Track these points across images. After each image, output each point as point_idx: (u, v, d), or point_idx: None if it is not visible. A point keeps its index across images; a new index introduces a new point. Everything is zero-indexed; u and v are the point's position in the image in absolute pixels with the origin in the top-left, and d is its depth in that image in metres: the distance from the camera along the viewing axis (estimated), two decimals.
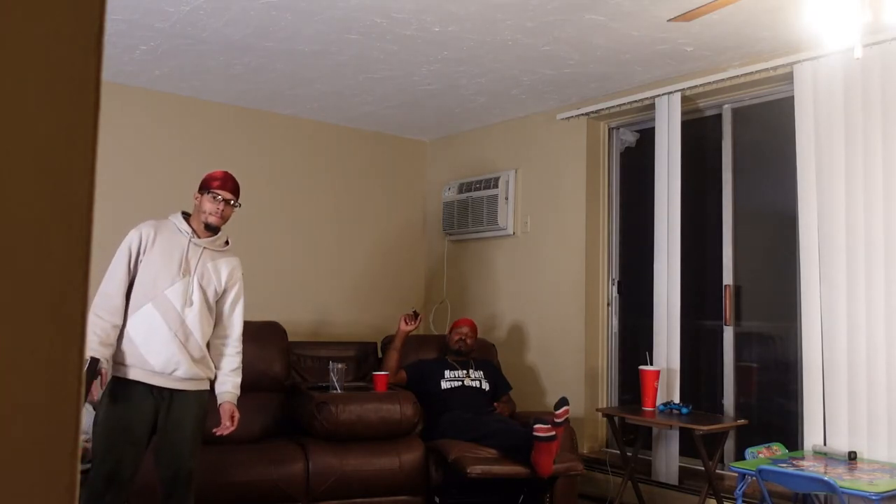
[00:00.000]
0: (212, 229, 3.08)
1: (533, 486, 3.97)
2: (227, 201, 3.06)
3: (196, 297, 3.00)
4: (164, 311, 2.93)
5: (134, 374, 2.90)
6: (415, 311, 4.61)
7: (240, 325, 3.18)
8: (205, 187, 3.06)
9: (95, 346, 2.82)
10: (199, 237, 3.05)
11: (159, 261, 2.96)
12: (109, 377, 2.91)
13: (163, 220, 3.07)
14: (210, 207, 3.04)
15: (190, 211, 3.13)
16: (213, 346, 3.12)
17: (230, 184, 3.09)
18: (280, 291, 5.01)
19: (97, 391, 2.85)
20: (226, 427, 3.10)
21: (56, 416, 0.46)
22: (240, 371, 3.17)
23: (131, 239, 2.97)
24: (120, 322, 2.90)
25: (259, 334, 4.24)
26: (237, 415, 3.11)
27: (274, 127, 5.14)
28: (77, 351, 0.47)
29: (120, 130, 4.47)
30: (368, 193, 5.57)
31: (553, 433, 3.62)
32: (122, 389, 2.90)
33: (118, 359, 2.91)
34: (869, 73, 3.42)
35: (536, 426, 3.61)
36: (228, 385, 3.12)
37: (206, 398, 3.08)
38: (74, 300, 0.47)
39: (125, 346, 2.91)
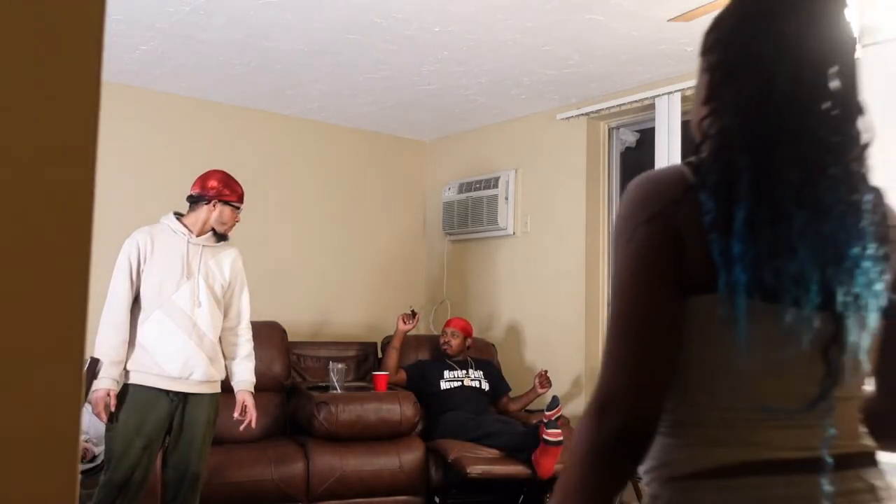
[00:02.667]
0: (218, 235, 3.10)
1: (533, 486, 3.97)
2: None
3: (204, 296, 3.00)
4: (175, 316, 2.93)
5: (150, 381, 2.91)
6: (413, 311, 4.61)
7: (247, 311, 3.21)
8: (223, 199, 3.06)
9: (106, 366, 2.82)
10: (195, 236, 3.05)
11: (161, 267, 2.95)
12: (120, 391, 2.91)
13: (155, 225, 3.06)
14: (231, 219, 3.09)
15: (182, 211, 3.12)
16: (222, 337, 3.13)
17: (242, 191, 3.15)
18: (280, 291, 5.01)
19: (102, 411, 2.85)
20: (239, 420, 3.09)
21: (56, 416, 0.46)
22: (253, 356, 3.19)
23: (129, 249, 2.96)
24: (127, 336, 2.91)
25: (259, 334, 4.23)
26: (249, 403, 3.10)
27: (274, 127, 5.14)
28: (77, 351, 0.47)
29: (120, 130, 4.47)
30: (368, 193, 5.57)
31: (562, 438, 3.63)
32: (138, 396, 2.90)
33: (131, 367, 2.91)
34: (869, 74, 3.42)
35: (550, 430, 3.61)
36: (244, 374, 3.13)
37: (219, 400, 3.08)
38: (74, 300, 0.47)
39: (138, 354, 2.91)
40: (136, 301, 2.95)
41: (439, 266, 5.69)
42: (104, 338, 2.86)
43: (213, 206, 3.05)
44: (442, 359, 4.60)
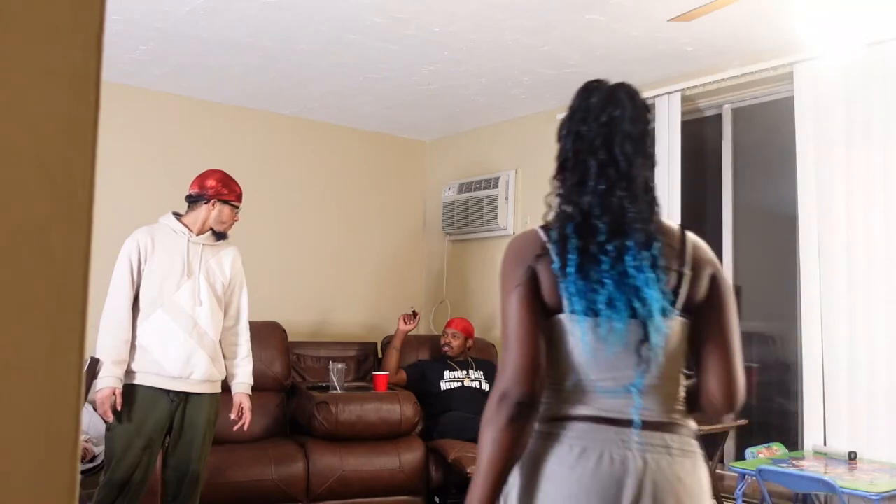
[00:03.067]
0: (218, 234, 3.09)
1: None
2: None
3: (205, 295, 2.99)
4: (175, 315, 2.92)
5: (150, 381, 2.90)
6: (413, 311, 4.61)
7: (246, 311, 3.20)
8: (222, 198, 3.05)
9: (109, 365, 2.82)
10: (195, 235, 3.05)
11: (162, 266, 2.95)
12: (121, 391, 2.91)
13: (155, 225, 3.06)
14: (230, 218, 3.08)
15: (180, 211, 3.12)
16: (221, 336, 3.13)
17: (240, 190, 3.14)
18: (280, 291, 5.01)
19: (109, 410, 2.86)
20: (235, 420, 3.10)
21: (56, 416, 0.46)
22: (251, 357, 3.19)
23: (129, 249, 2.95)
24: (129, 336, 2.90)
25: (259, 334, 4.24)
26: (246, 405, 3.11)
27: (274, 127, 5.14)
28: (77, 351, 0.47)
29: (120, 130, 4.47)
30: (368, 193, 5.57)
31: None
32: (138, 396, 2.90)
33: (132, 367, 2.91)
34: (869, 74, 3.42)
35: None
36: (242, 375, 3.14)
37: (219, 400, 3.08)
38: (74, 300, 0.47)
39: (138, 354, 2.90)
40: (135, 301, 2.95)
41: (439, 266, 5.69)
42: (106, 337, 2.86)
43: (213, 205, 3.05)
44: (442, 359, 4.60)
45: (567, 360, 1.41)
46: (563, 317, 1.40)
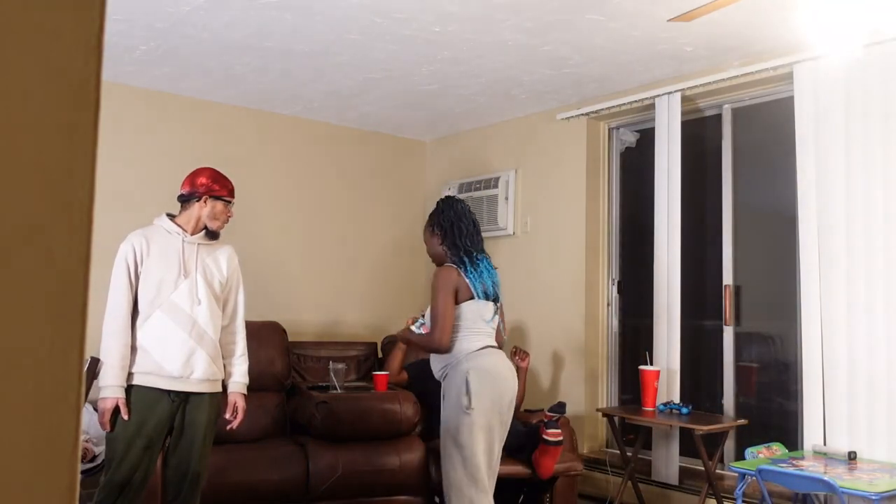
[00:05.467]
0: (212, 233, 3.08)
1: (533, 485, 3.97)
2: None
3: (203, 294, 2.98)
4: (174, 315, 2.92)
5: (151, 382, 2.90)
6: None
7: (242, 309, 3.19)
8: (214, 194, 3.04)
9: (118, 371, 2.83)
10: (190, 235, 3.04)
11: (158, 267, 2.94)
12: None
13: (149, 227, 3.05)
14: (223, 214, 3.06)
15: (173, 212, 3.11)
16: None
17: (232, 186, 3.12)
18: (280, 291, 5.01)
19: (108, 422, 2.87)
20: (229, 420, 3.10)
21: (56, 416, 0.46)
22: (246, 356, 3.18)
23: (125, 252, 2.94)
24: (129, 339, 2.90)
25: (259, 334, 4.24)
26: (241, 405, 3.10)
27: (274, 127, 5.14)
28: (77, 351, 0.47)
29: (120, 130, 4.47)
30: (369, 193, 5.57)
31: (561, 438, 3.65)
32: (139, 397, 2.89)
33: (132, 368, 2.90)
34: (869, 74, 3.42)
35: (549, 430, 3.63)
36: (237, 374, 3.13)
37: (220, 399, 3.08)
38: (74, 300, 0.47)
39: (139, 355, 2.90)
40: (134, 303, 2.94)
41: None
42: (110, 343, 2.85)
43: (204, 201, 3.03)
44: None
45: (468, 318, 3.08)
46: (472, 300, 3.10)
